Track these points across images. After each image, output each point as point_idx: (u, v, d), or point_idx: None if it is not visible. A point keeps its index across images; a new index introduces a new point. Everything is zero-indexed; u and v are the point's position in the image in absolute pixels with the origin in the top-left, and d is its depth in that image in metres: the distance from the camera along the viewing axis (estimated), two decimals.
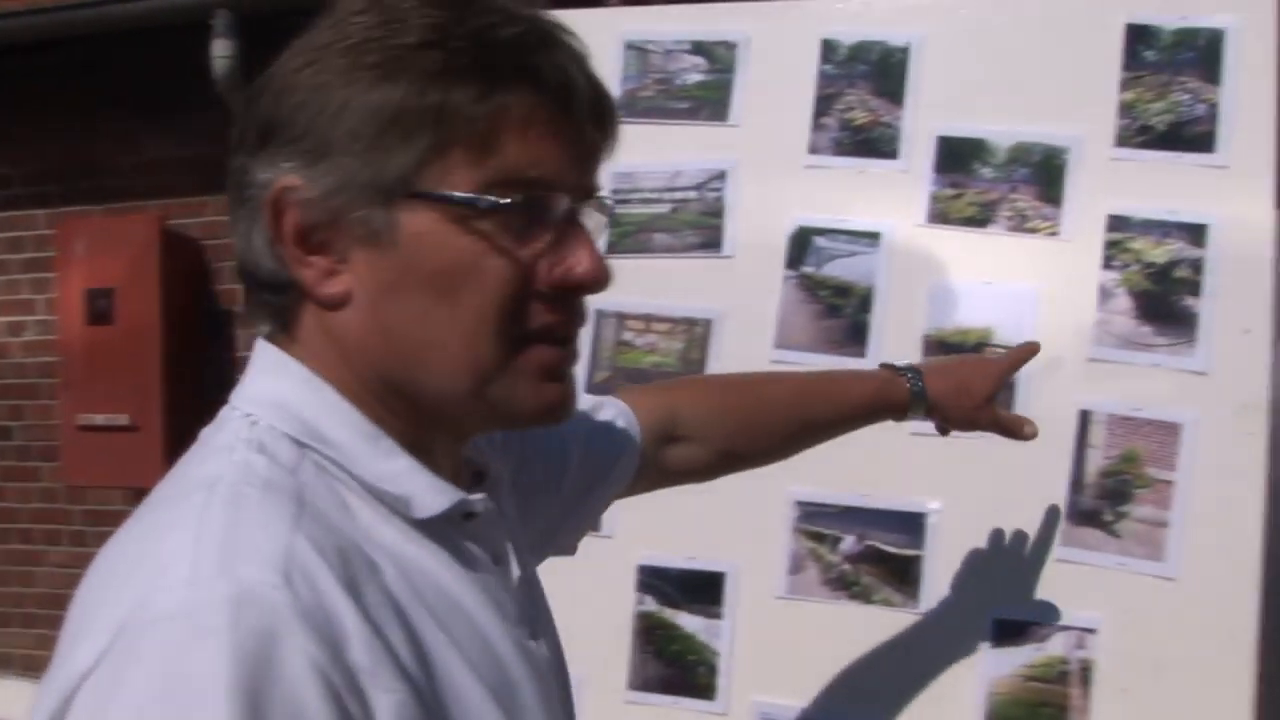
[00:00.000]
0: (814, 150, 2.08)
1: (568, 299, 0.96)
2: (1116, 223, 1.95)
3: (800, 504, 1.98)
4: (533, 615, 1.06)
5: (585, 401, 1.38)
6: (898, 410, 1.64)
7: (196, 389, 5.41)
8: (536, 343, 0.95)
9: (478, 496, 0.99)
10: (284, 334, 0.98)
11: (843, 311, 2.02)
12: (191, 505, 0.84)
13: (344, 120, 0.90)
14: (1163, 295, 1.92)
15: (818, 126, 2.09)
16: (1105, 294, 1.93)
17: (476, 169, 0.91)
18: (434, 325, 0.93)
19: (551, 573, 2.03)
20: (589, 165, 0.98)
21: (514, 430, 1.08)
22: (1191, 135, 1.94)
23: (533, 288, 0.94)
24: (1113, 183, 1.96)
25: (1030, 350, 1.76)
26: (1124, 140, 1.97)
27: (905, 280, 2.01)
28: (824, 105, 2.09)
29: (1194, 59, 1.96)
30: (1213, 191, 1.92)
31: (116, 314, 5.43)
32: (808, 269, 2.04)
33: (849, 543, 1.97)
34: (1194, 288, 1.90)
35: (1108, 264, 1.94)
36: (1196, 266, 1.90)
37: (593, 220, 0.99)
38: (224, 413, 0.97)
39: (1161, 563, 1.84)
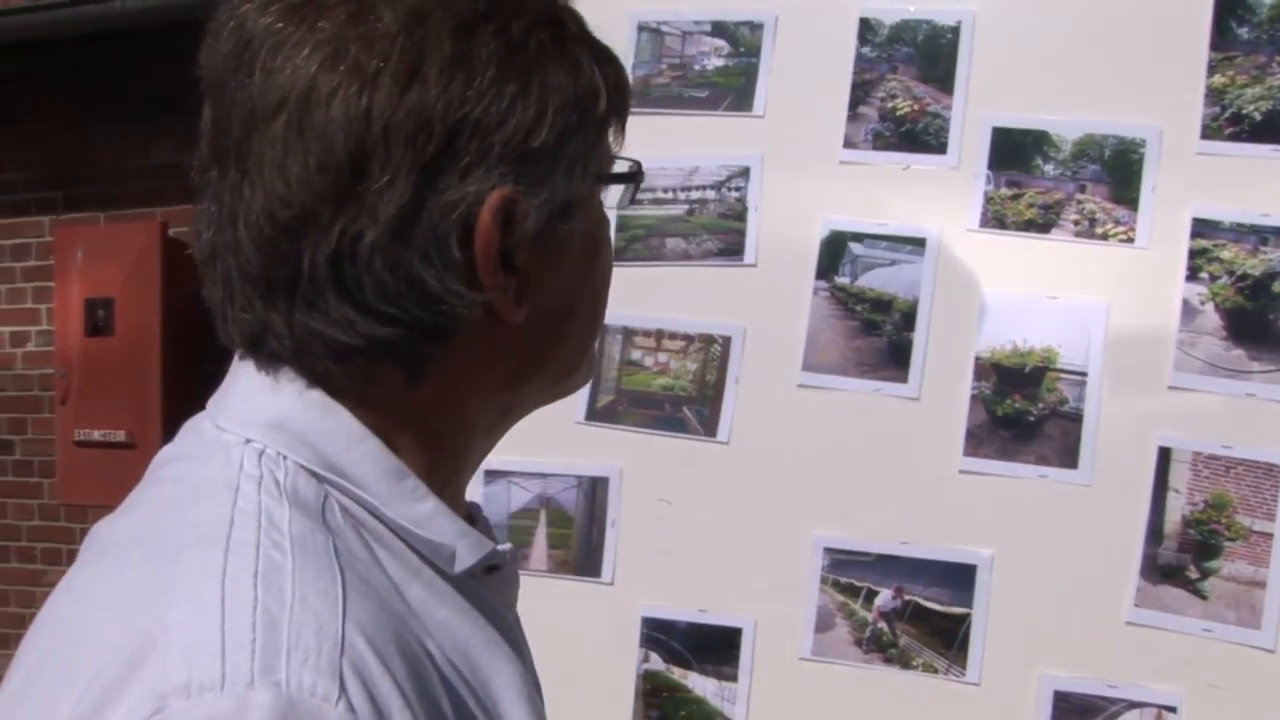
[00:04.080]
0: (850, 144, 1.87)
1: None
2: (1202, 228, 1.74)
3: (829, 551, 1.78)
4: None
5: None
6: None
7: (196, 406, 5.26)
8: None
9: (505, 547, 0.89)
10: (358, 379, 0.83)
11: (881, 329, 1.81)
12: (204, 568, 0.70)
13: (544, 120, 0.80)
14: (1257, 313, 1.71)
15: (854, 117, 1.88)
16: (1189, 311, 1.72)
17: (615, 147, 0.89)
18: (579, 289, 0.89)
19: (541, 621, 1.84)
20: None
21: (564, 396, 1.00)
22: None
23: None
24: (1198, 181, 1.75)
25: None
26: (1211, 132, 1.75)
27: (954, 293, 1.80)
28: (861, 93, 1.88)
29: None
30: None
31: (116, 325, 5.40)
32: (841, 279, 1.84)
33: (885, 597, 1.76)
34: None
35: (1192, 276, 1.73)
36: None
37: None
38: (204, 431, 0.84)
39: (1256, 630, 1.64)
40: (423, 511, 0.82)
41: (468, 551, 0.84)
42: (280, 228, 0.76)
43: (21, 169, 6.05)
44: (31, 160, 6.00)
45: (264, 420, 0.81)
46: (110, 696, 0.65)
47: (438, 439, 0.85)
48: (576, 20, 0.86)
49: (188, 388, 5.35)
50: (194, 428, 0.85)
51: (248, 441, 0.80)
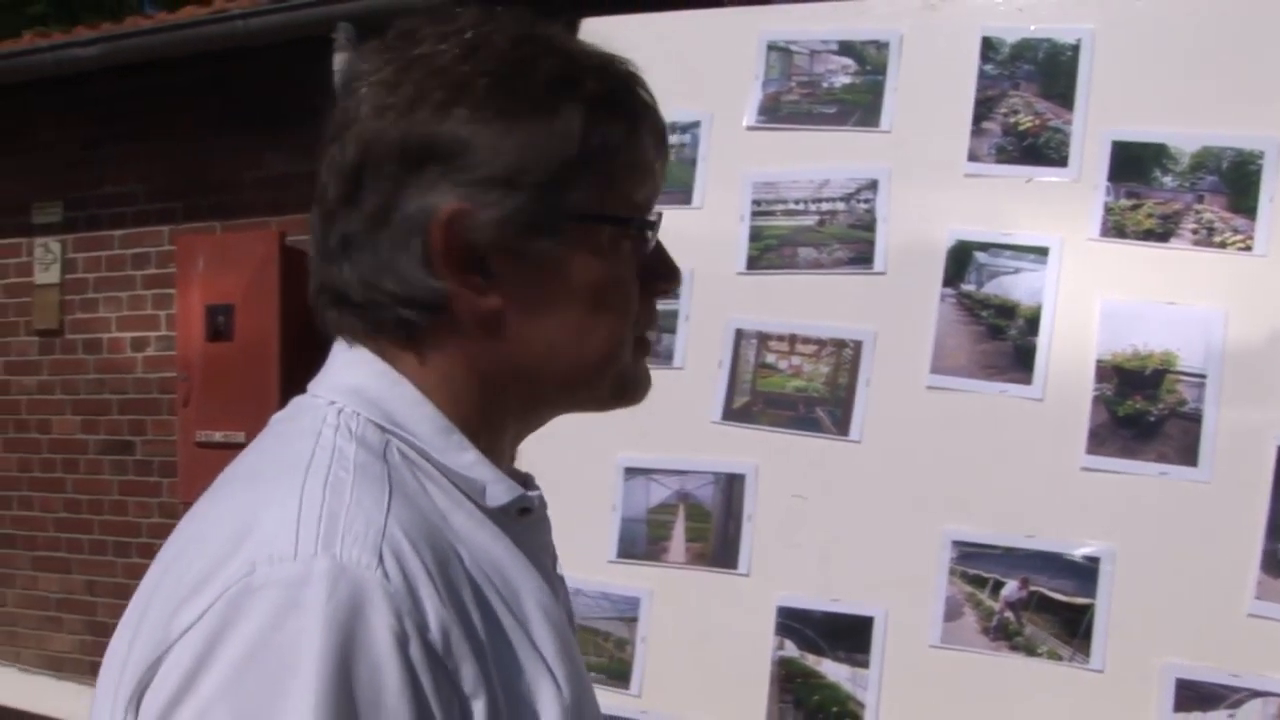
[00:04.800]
0: (974, 157, 1.93)
1: (653, 300, 1.09)
2: None
3: (958, 544, 1.82)
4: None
5: None
6: None
7: None
8: (642, 336, 1.09)
9: (535, 493, 1.07)
10: (395, 348, 1.03)
11: (1006, 333, 1.86)
12: (290, 484, 0.91)
13: (517, 154, 0.97)
14: None
15: (978, 132, 1.93)
16: None
17: (629, 195, 1.02)
18: (595, 333, 1.04)
19: (682, 613, 1.93)
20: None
21: (603, 409, 1.14)
22: None
23: (643, 294, 1.06)
24: None
25: None
26: None
27: (1076, 299, 1.84)
28: (985, 109, 1.93)
29: None
30: None
31: (235, 330, 5.47)
32: (967, 287, 1.88)
33: (1011, 588, 1.80)
34: None
35: None
36: None
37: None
38: (302, 400, 1.04)
39: None
40: (466, 459, 1.01)
41: (502, 493, 1.01)
42: (324, 214, 1.01)
43: (143, 181, 6.17)
44: (153, 172, 6.12)
45: (345, 388, 1.01)
46: (220, 564, 0.86)
47: (459, 404, 1.02)
48: (601, 75, 1.02)
49: (303, 384, 5.49)
50: (296, 398, 1.05)
51: (332, 403, 1.00)
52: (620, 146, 1.01)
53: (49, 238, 6.48)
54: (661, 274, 1.07)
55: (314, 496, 0.90)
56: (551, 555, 1.14)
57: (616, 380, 1.07)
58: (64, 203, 6.44)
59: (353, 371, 1.03)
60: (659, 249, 1.06)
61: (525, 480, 1.13)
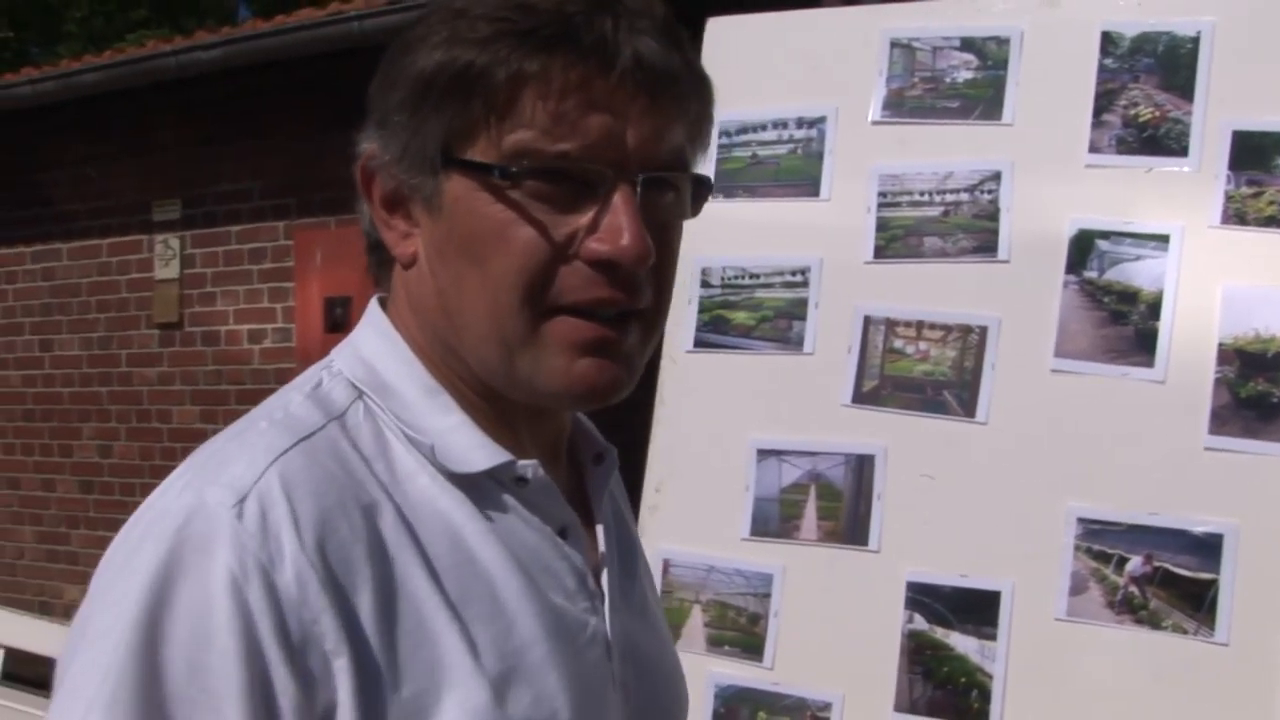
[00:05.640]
0: (1094, 149, 1.98)
1: (613, 273, 0.95)
2: None
3: (1082, 520, 1.88)
4: (613, 598, 1.09)
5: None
6: None
7: None
8: (568, 315, 0.96)
9: (528, 462, 1.01)
10: (388, 295, 1.06)
11: (1128, 319, 1.91)
12: (219, 435, 0.97)
13: (396, 90, 0.96)
14: None
15: (1098, 124, 1.98)
16: None
17: (506, 137, 0.93)
18: (468, 291, 0.97)
19: (813, 588, 2.02)
20: (643, 136, 0.95)
21: (560, 408, 1.07)
22: None
23: (566, 259, 0.94)
24: None
25: None
26: None
27: (1197, 284, 1.90)
28: (1105, 101, 1.99)
29: None
30: None
31: (352, 321, 5.51)
32: (1089, 274, 1.94)
33: (1136, 563, 1.86)
34: None
35: None
36: None
37: (666, 196, 0.98)
38: (319, 362, 1.06)
39: None
40: (447, 422, 1.00)
41: (481, 459, 0.99)
42: None
43: (258, 178, 6.35)
44: (268, 169, 6.29)
45: (350, 347, 1.04)
46: (158, 494, 0.92)
47: (434, 363, 1.02)
48: (472, 16, 0.95)
49: None
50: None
51: (329, 365, 1.03)
52: (476, 84, 0.93)
53: (169, 234, 6.71)
54: (591, 239, 0.95)
55: (225, 447, 0.94)
56: (608, 525, 1.12)
57: (530, 362, 0.97)
58: (182, 200, 6.66)
59: (362, 332, 1.05)
60: (615, 211, 0.94)
61: (600, 458, 1.14)
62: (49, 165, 7.05)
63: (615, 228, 0.93)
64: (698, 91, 1.00)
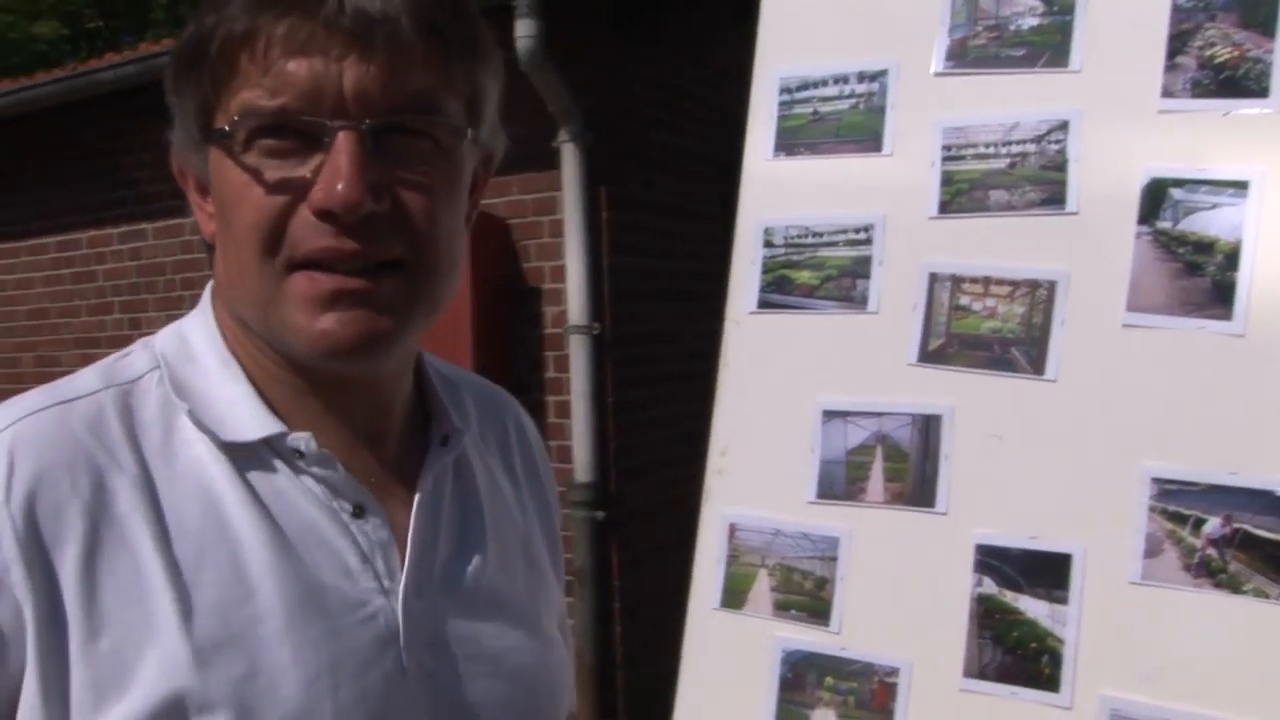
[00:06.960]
0: (1168, 94, 1.89)
1: (337, 222, 0.97)
2: None
3: (1157, 481, 1.81)
4: (416, 581, 1.08)
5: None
6: None
7: (505, 367, 5.54)
8: (307, 270, 0.99)
9: (301, 434, 1.05)
10: None
11: (1205, 270, 1.83)
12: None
13: (169, 70, 1.02)
14: None
15: (1171, 67, 1.90)
16: None
17: (232, 100, 0.97)
18: (229, 259, 1.01)
19: (880, 551, 1.97)
20: (360, 82, 0.95)
21: (318, 365, 1.07)
22: None
23: (296, 213, 0.98)
24: None
25: None
26: None
27: (1278, 233, 1.80)
28: (1178, 43, 1.90)
29: None
30: None
31: None
32: (1163, 224, 1.86)
33: (1214, 525, 1.78)
34: None
35: None
36: None
37: (417, 143, 1.00)
38: None
39: None
40: (235, 393, 1.05)
41: (248, 427, 1.03)
42: None
43: None
44: None
45: (177, 321, 1.12)
46: None
47: (235, 334, 1.08)
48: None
49: (497, 353, 5.64)
50: None
51: (154, 336, 1.13)
52: (202, 55, 0.98)
53: None
54: (316, 186, 0.98)
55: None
56: (443, 508, 1.15)
57: (279, 322, 1.02)
58: None
59: (197, 306, 1.13)
60: (333, 159, 0.96)
61: (446, 439, 1.16)
62: (133, 148, 7.15)
63: (332, 175, 0.95)
64: (447, 35, 1.00)
